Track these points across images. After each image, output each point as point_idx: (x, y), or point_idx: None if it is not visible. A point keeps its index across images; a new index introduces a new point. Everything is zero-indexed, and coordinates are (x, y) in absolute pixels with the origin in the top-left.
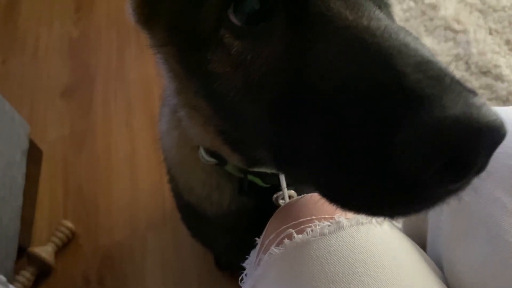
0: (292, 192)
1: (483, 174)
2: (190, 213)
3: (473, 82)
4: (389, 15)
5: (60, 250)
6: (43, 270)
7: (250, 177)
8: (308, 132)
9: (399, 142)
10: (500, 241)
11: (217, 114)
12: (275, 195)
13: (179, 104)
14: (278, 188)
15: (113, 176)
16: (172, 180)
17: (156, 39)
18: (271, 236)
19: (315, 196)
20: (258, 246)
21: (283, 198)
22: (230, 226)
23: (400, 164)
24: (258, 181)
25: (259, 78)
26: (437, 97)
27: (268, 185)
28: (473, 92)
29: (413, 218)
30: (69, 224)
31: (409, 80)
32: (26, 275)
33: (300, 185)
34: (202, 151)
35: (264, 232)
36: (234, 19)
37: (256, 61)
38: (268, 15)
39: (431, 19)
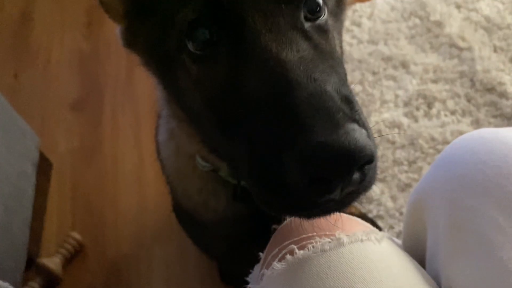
0: None
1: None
2: (188, 221)
3: (477, 99)
4: (322, 42)
5: (68, 262)
6: (50, 281)
7: (243, 182)
8: (240, 142)
9: (285, 161)
10: (493, 258)
11: (192, 124)
12: (273, 226)
13: (169, 115)
14: None
15: (120, 189)
16: (171, 189)
17: (141, 60)
18: (274, 251)
19: None
20: (261, 261)
21: None
22: (226, 233)
23: (286, 177)
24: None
25: (210, 94)
26: (315, 125)
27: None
28: (354, 118)
29: (412, 237)
30: (77, 235)
31: (298, 110)
32: (34, 285)
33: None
34: (198, 158)
35: (267, 247)
36: (190, 47)
37: (207, 80)
38: (215, 44)
39: (436, 36)
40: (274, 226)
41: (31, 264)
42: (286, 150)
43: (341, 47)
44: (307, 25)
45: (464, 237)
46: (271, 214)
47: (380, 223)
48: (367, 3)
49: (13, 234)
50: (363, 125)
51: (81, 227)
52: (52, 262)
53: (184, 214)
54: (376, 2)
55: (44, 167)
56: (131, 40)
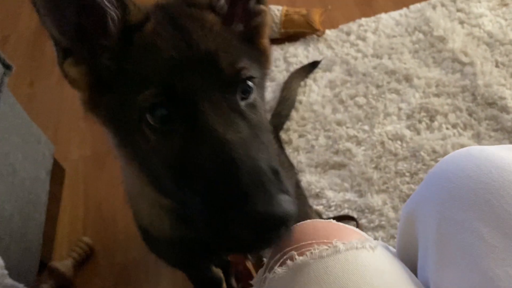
0: None
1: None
2: (145, 235)
3: (479, 113)
4: (253, 117)
5: (79, 266)
6: (62, 284)
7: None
8: (192, 195)
9: (232, 220)
10: (477, 268)
11: (141, 170)
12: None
13: (121, 160)
14: None
15: None
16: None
17: (99, 121)
18: (276, 257)
19: (315, 223)
20: (264, 266)
21: None
22: (177, 250)
23: (232, 228)
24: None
25: (166, 160)
26: (254, 197)
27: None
28: (282, 190)
29: (405, 246)
30: (88, 240)
31: (241, 183)
32: None
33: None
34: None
35: (270, 253)
36: (150, 120)
37: (164, 149)
38: (171, 121)
39: (440, 51)
40: (230, 258)
41: (44, 267)
42: (233, 213)
43: (264, 110)
44: (242, 104)
45: (451, 247)
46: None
47: (381, 233)
48: (372, 18)
49: (27, 238)
50: (287, 192)
51: (92, 232)
52: (64, 265)
53: (141, 230)
54: (381, 17)
55: (57, 173)
56: (92, 108)
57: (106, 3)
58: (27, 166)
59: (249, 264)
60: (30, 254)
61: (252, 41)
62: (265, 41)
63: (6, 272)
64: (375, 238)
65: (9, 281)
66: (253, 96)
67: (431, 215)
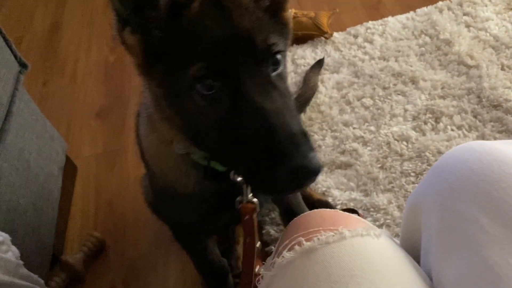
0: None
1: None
2: (164, 195)
3: (484, 115)
4: (282, 86)
5: (90, 260)
6: (73, 278)
7: (212, 163)
8: (236, 151)
9: (280, 169)
10: (477, 256)
11: (185, 127)
12: (238, 198)
13: (156, 115)
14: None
15: (141, 193)
16: (151, 171)
17: (151, 84)
18: (285, 243)
19: (322, 212)
20: (273, 252)
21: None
22: (196, 205)
23: (278, 173)
24: (218, 166)
25: (213, 121)
26: (293, 155)
27: (226, 169)
28: (312, 149)
29: (409, 237)
30: (98, 235)
31: (279, 145)
32: (58, 281)
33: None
34: (176, 144)
35: (279, 239)
36: (199, 88)
37: (211, 113)
38: (218, 89)
39: (446, 54)
40: (238, 199)
41: (56, 260)
42: (277, 167)
43: (288, 78)
44: (273, 75)
45: (453, 237)
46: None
47: (387, 231)
48: (379, 21)
49: (40, 232)
50: (314, 149)
51: (103, 227)
52: (75, 259)
53: (160, 191)
54: (388, 20)
55: (69, 170)
56: (145, 72)
57: None
58: (41, 162)
59: (255, 217)
60: (43, 247)
61: (276, 15)
62: (287, 14)
63: (21, 262)
64: None
65: (24, 271)
66: (281, 68)
67: (434, 207)
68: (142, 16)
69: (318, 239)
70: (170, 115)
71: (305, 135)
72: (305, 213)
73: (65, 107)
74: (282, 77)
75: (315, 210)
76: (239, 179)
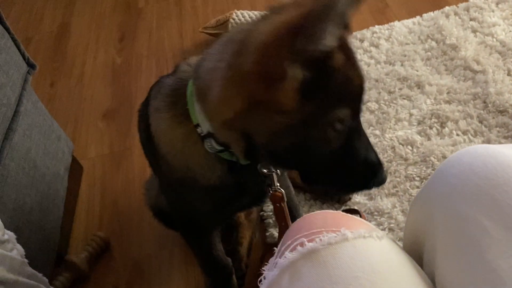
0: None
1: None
2: (180, 186)
3: (489, 120)
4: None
5: (95, 260)
6: (77, 277)
7: (241, 161)
8: (337, 171)
9: (372, 182)
10: (480, 260)
11: (280, 151)
12: (270, 189)
13: (228, 128)
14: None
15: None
16: (164, 165)
17: (293, 113)
18: (287, 243)
19: (324, 214)
20: (276, 252)
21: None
22: (214, 194)
23: (369, 186)
24: (243, 160)
25: (334, 147)
26: (378, 173)
27: (248, 162)
28: (383, 168)
29: (412, 240)
30: (102, 234)
31: (375, 168)
32: (62, 280)
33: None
34: (213, 143)
35: (281, 240)
36: (337, 126)
37: (335, 142)
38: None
39: (452, 59)
40: (270, 191)
41: (60, 260)
42: (373, 179)
43: None
44: None
45: (456, 240)
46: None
47: (390, 235)
48: (385, 26)
49: (45, 231)
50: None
51: (108, 227)
52: (79, 258)
53: (176, 181)
54: (394, 25)
55: (75, 170)
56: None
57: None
58: (47, 162)
59: (284, 204)
60: (48, 246)
61: None
62: None
63: (26, 260)
64: None
65: (29, 269)
66: None
67: (438, 210)
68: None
69: (320, 240)
70: (262, 136)
71: (377, 154)
72: (308, 214)
73: (72, 108)
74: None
75: (318, 211)
76: (265, 171)
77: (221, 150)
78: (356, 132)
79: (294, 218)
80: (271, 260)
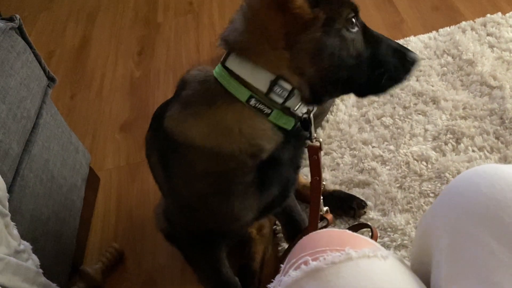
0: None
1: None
2: (219, 183)
3: (506, 136)
4: None
5: (109, 271)
6: (92, 287)
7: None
8: (375, 65)
9: (405, 60)
10: (486, 282)
11: (322, 68)
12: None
13: (278, 62)
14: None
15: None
16: (203, 165)
17: (314, 26)
18: (291, 262)
19: (330, 232)
20: (281, 270)
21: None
22: (249, 183)
23: (404, 64)
24: (288, 125)
25: (356, 48)
26: (409, 52)
27: (293, 124)
28: (409, 50)
29: (419, 260)
30: (117, 245)
31: (402, 51)
32: None
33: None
34: (283, 84)
35: (287, 258)
36: (349, 26)
37: (356, 42)
38: (358, 28)
39: (468, 74)
40: (308, 148)
41: (75, 270)
42: (405, 58)
43: None
44: None
45: (462, 261)
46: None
47: (403, 252)
48: (401, 40)
49: (61, 241)
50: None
51: (122, 238)
52: (94, 269)
53: (212, 180)
54: (410, 40)
55: (92, 181)
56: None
57: None
58: (65, 173)
59: (320, 156)
60: (63, 256)
61: None
62: None
63: (41, 271)
64: None
65: (43, 279)
66: None
67: (445, 229)
68: None
69: (324, 259)
70: (304, 58)
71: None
72: (313, 232)
73: (91, 120)
74: None
75: (323, 230)
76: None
77: (289, 94)
78: (367, 32)
79: (296, 222)
80: (277, 277)
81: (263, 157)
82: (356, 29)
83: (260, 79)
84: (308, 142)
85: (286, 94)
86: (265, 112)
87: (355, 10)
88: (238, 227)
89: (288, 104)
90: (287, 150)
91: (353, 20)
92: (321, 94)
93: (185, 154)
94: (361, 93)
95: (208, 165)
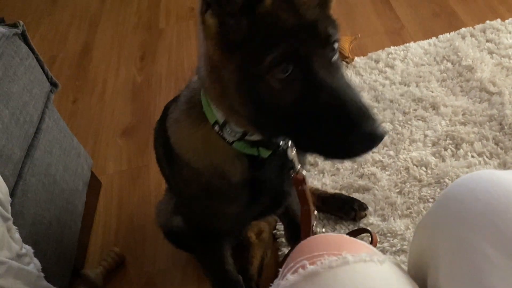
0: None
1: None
2: (203, 192)
3: (505, 142)
4: (342, 68)
5: (110, 275)
6: None
7: (261, 150)
8: (308, 126)
9: (352, 136)
10: (482, 285)
11: (251, 109)
12: (292, 172)
13: (217, 101)
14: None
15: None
16: (190, 172)
17: (225, 69)
18: (289, 265)
19: (327, 236)
20: (279, 274)
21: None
22: (238, 194)
23: (350, 140)
24: (263, 152)
25: (288, 100)
26: (362, 123)
27: (270, 152)
28: (376, 119)
29: (416, 264)
30: (117, 250)
31: (351, 116)
32: None
33: (303, 151)
34: (230, 129)
35: (285, 262)
36: (277, 72)
37: (287, 93)
38: (292, 72)
39: (467, 80)
40: (293, 181)
41: (76, 273)
42: (350, 135)
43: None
44: (333, 60)
45: (458, 266)
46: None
47: (403, 257)
48: (401, 47)
49: (63, 245)
50: (378, 119)
51: (123, 242)
52: (95, 273)
53: (201, 188)
54: (410, 46)
55: (94, 186)
56: (221, 59)
57: None
58: (66, 177)
59: (306, 187)
60: (65, 260)
61: (324, 11)
62: (330, 12)
63: (42, 274)
64: None
65: (44, 283)
66: (336, 55)
67: (441, 235)
68: (221, 3)
69: (322, 263)
70: (236, 99)
71: (369, 107)
72: (310, 236)
73: (93, 125)
74: (338, 63)
75: (321, 234)
76: (292, 153)
77: (240, 137)
78: (317, 75)
79: (298, 224)
80: (275, 281)
81: (234, 180)
82: (284, 74)
83: (218, 115)
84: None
85: (239, 135)
86: (227, 140)
87: (296, 54)
88: (230, 227)
89: (250, 137)
90: (271, 171)
91: (288, 67)
92: (268, 136)
93: (177, 158)
94: (297, 145)
95: (190, 173)
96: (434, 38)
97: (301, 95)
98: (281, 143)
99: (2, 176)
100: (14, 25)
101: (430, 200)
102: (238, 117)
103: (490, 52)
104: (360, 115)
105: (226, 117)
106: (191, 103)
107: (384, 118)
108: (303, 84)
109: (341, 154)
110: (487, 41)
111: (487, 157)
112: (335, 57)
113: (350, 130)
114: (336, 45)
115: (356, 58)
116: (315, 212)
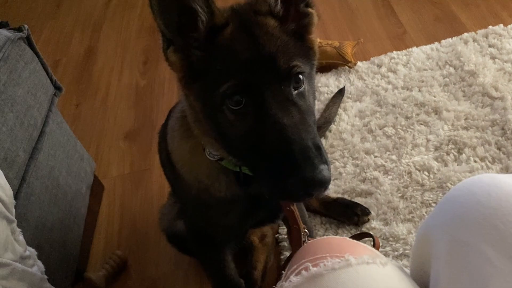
0: None
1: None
2: (197, 202)
3: (508, 147)
4: (302, 104)
5: (112, 278)
6: None
7: (243, 168)
8: (258, 159)
9: (292, 179)
10: (483, 287)
11: (219, 137)
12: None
13: (193, 125)
14: None
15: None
16: (181, 182)
17: (190, 98)
18: (293, 268)
19: (330, 239)
20: (282, 276)
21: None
22: (229, 208)
23: (291, 182)
24: (247, 171)
25: (241, 132)
26: (304, 166)
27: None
28: (323, 162)
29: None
30: (120, 253)
31: (295, 157)
32: None
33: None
34: (209, 150)
35: (288, 264)
36: (229, 104)
37: (239, 125)
38: (245, 105)
39: (470, 85)
40: (281, 202)
41: (79, 276)
42: (290, 176)
43: (314, 94)
44: (294, 93)
45: (460, 268)
46: (270, 198)
47: (405, 261)
48: (404, 51)
49: (66, 248)
50: (326, 162)
51: (126, 245)
52: (97, 276)
53: (194, 198)
54: (412, 51)
55: (97, 189)
56: (185, 87)
57: (199, 8)
58: (69, 181)
59: (294, 207)
60: (68, 263)
61: (302, 38)
62: (312, 37)
63: (46, 277)
64: None
65: (47, 285)
66: (303, 87)
67: (443, 238)
68: (184, 37)
69: (325, 265)
70: (205, 125)
71: (319, 149)
72: (313, 239)
73: (96, 128)
74: (303, 94)
75: (324, 237)
76: None
77: (220, 158)
78: (269, 111)
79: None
80: (278, 283)
81: (219, 196)
82: (239, 108)
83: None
84: None
85: (218, 157)
86: (213, 157)
87: (239, 85)
88: (228, 236)
89: (223, 163)
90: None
91: (241, 99)
92: (236, 161)
93: (174, 165)
94: (257, 180)
95: (183, 184)
96: (436, 43)
97: (252, 129)
98: None
99: (6, 179)
100: (19, 29)
101: (433, 204)
102: (213, 141)
103: (493, 57)
104: (303, 158)
105: (203, 140)
106: (185, 111)
107: (386, 123)
108: (255, 118)
109: (280, 195)
110: (490, 46)
111: (489, 161)
112: (300, 89)
113: (290, 172)
114: (301, 77)
115: (358, 63)
116: (305, 229)
